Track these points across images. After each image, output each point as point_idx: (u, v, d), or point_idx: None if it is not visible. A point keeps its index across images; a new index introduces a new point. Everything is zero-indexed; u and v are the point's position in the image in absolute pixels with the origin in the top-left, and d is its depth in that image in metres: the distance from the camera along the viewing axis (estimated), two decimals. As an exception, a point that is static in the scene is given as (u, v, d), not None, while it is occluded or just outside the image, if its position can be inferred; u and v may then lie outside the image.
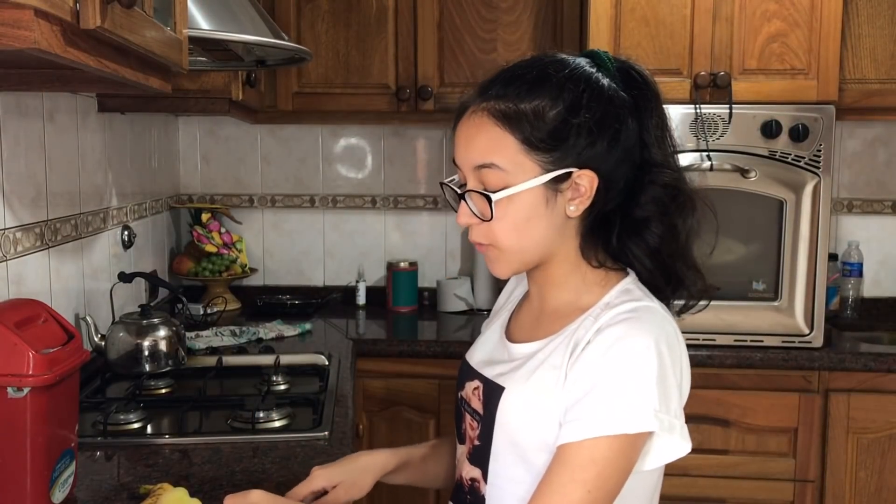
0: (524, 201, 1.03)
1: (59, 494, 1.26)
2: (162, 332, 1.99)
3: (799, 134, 2.33)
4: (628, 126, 1.04)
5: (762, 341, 2.39)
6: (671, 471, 2.69)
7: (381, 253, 3.06)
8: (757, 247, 2.42)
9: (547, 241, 1.06)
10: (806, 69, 2.36)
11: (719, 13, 2.35)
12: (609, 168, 1.03)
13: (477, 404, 1.14)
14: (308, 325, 2.62)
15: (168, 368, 1.99)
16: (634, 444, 0.99)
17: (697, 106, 2.35)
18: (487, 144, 1.03)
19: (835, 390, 2.36)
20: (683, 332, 2.56)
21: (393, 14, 2.65)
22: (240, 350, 2.36)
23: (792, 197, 2.35)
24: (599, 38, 2.38)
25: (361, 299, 2.99)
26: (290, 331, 2.54)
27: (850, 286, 2.83)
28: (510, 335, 1.18)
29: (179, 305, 2.63)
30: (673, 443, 1.03)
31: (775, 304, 2.40)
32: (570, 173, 1.02)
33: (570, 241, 1.08)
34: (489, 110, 1.03)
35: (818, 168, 2.34)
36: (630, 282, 1.09)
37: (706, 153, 2.35)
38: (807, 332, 2.38)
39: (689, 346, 2.56)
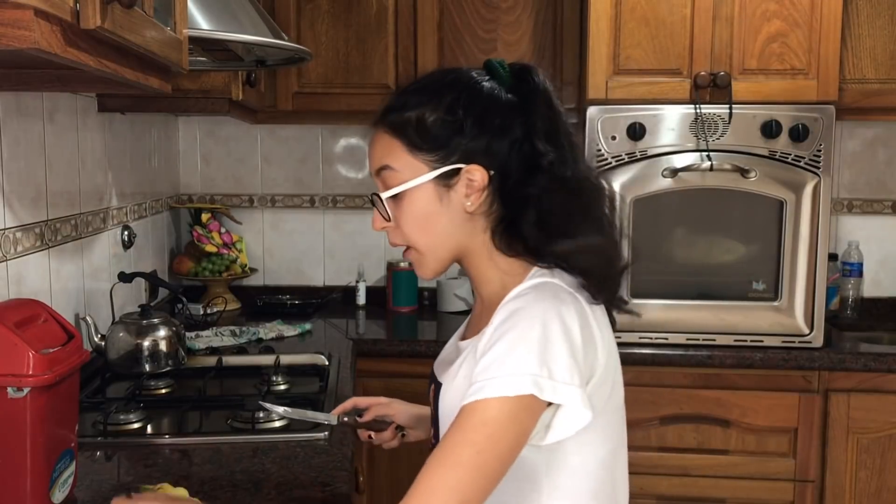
0: (419, 199, 1.11)
1: (59, 494, 1.26)
2: (162, 332, 1.99)
3: (799, 134, 2.33)
4: (513, 122, 1.09)
5: (762, 341, 2.39)
6: (671, 471, 2.70)
7: (381, 253, 3.06)
8: (757, 247, 2.42)
9: (454, 237, 1.13)
10: (806, 69, 2.36)
11: (719, 13, 2.35)
12: (499, 161, 1.09)
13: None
14: (308, 325, 2.62)
15: (168, 368, 1.99)
16: (527, 409, 0.99)
17: (697, 106, 2.35)
18: (381, 151, 1.13)
19: (835, 390, 2.36)
20: (683, 332, 2.55)
21: (393, 14, 2.66)
22: (240, 350, 2.36)
23: (792, 197, 2.35)
24: (599, 38, 2.38)
25: (361, 299, 2.99)
26: (290, 331, 2.54)
27: (850, 286, 2.83)
28: (463, 335, 1.25)
29: (179, 305, 2.63)
30: (575, 413, 1.03)
31: (775, 304, 2.40)
32: (458, 169, 1.09)
33: (480, 235, 1.13)
34: (383, 125, 1.13)
35: (818, 168, 2.34)
36: (545, 268, 1.12)
37: (706, 153, 2.35)
38: (807, 332, 2.38)
39: (689, 346, 2.57)
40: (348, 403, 1.47)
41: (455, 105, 1.09)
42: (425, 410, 1.40)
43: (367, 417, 1.45)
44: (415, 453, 2.46)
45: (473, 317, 1.24)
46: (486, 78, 1.13)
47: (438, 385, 1.17)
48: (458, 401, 1.05)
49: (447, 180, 1.10)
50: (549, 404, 1.01)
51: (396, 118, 1.11)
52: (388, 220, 1.14)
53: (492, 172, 1.09)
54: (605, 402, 1.08)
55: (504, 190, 1.10)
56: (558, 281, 1.09)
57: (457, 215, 1.11)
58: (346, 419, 1.45)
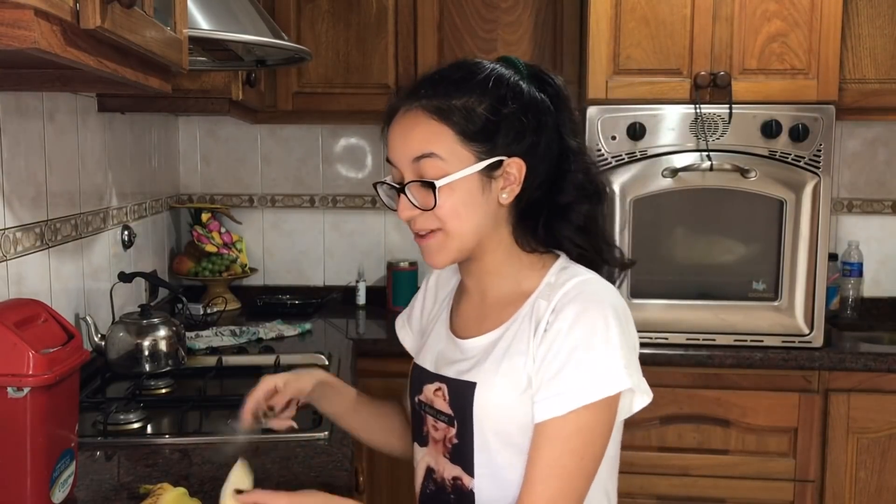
0: (463, 188, 1.09)
1: (59, 494, 1.26)
2: (162, 332, 1.99)
3: (799, 134, 2.33)
4: (548, 120, 1.13)
5: (762, 341, 2.39)
6: (671, 471, 2.69)
7: (381, 253, 3.06)
8: (757, 247, 2.42)
9: (483, 229, 1.12)
10: (806, 69, 2.36)
11: (719, 13, 2.35)
12: (535, 157, 1.12)
13: (442, 405, 1.17)
14: (308, 325, 2.62)
15: (168, 368, 1.99)
16: (612, 405, 1.07)
17: (697, 106, 2.35)
18: (425, 136, 1.10)
19: (835, 390, 2.36)
20: (683, 332, 2.56)
21: (393, 14, 2.66)
22: (240, 350, 2.36)
23: (792, 197, 2.35)
24: (599, 38, 2.38)
25: (361, 299, 2.99)
26: (290, 331, 2.54)
27: (850, 286, 2.83)
28: (456, 332, 1.22)
29: (179, 305, 2.63)
30: (637, 398, 1.10)
31: (775, 304, 2.40)
32: (501, 162, 1.10)
33: (503, 228, 1.15)
34: (423, 107, 1.11)
35: (818, 168, 2.34)
36: (564, 261, 1.17)
37: (706, 153, 2.35)
38: (807, 332, 2.38)
39: (689, 346, 2.57)
40: (252, 404, 1.29)
41: (504, 99, 1.10)
42: (329, 379, 1.35)
43: (282, 408, 1.30)
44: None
45: (470, 312, 1.21)
46: (518, 76, 1.14)
47: (457, 383, 1.15)
48: (505, 396, 1.09)
49: (490, 172, 1.10)
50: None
51: (442, 104, 1.09)
52: (421, 207, 1.10)
53: (528, 167, 1.11)
54: None
55: (534, 184, 1.12)
56: (593, 275, 1.13)
57: (491, 207, 1.11)
58: (263, 422, 1.28)
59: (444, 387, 1.17)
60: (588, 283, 1.11)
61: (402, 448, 1.36)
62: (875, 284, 2.92)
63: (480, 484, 1.14)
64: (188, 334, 2.28)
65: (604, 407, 1.05)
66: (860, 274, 2.84)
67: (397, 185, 1.13)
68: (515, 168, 1.10)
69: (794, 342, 2.38)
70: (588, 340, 1.05)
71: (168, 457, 1.52)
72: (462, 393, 1.14)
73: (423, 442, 1.23)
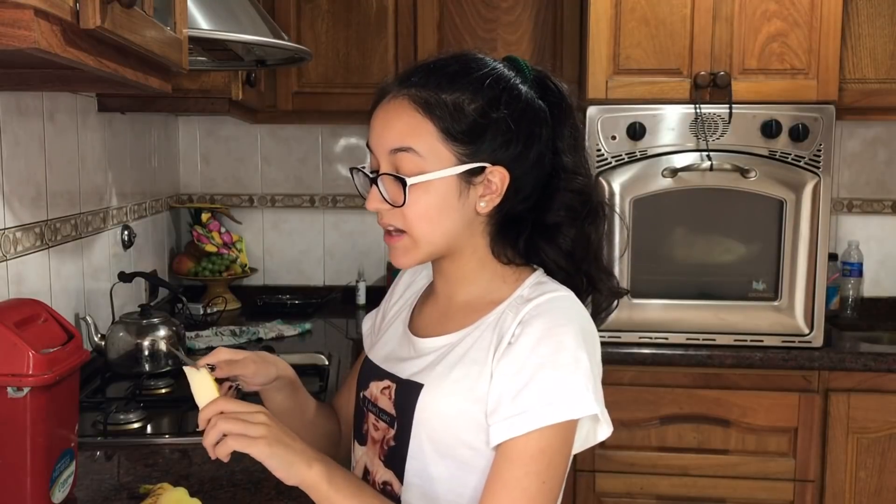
0: (438, 190, 1.03)
1: (59, 494, 1.27)
2: (162, 332, 1.99)
3: (799, 134, 2.33)
4: (542, 132, 1.07)
5: (762, 341, 2.39)
6: (671, 471, 2.69)
7: (381, 253, 3.06)
8: (757, 247, 2.42)
9: (455, 234, 1.07)
10: (806, 69, 2.36)
11: (719, 13, 2.35)
12: (521, 169, 1.05)
13: (386, 404, 1.12)
14: (308, 325, 2.62)
15: (168, 368, 1.99)
16: (573, 429, 1.01)
17: (697, 106, 2.35)
18: (406, 129, 1.03)
19: (835, 390, 2.36)
20: (683, 332, 2.56)
21: (393, 14, 2.66)
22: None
23: (792, 197, 2.35)
24: (599, 37, 2.38)
25: (361, 299, 2.99)
26: (290, 331, 2.54)
27: (850, 286, 2.83)
28: (415, 330, 1.17)
29: (179, 305, 2.63)
30: (601, 428, 1.05)
31: (775, 304, 2.40)
32: (483, 168, 1.04)
33: (478, 237, 1.09)
34: (410, 96, 1.04)
35: (818, 168, 2.34)
36: (540, 275, 1.11)
37: (706, 153, 2.35)
38: (807, 331, 2.38)
39: (689, 346, 2.57)
40: (213, 357, 1.17)
41: (497, 102, 1.03)
42: (290, 374, 1.27)
43: (217, 375, 1.16)
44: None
45: (433, 312, 1.16)
46: (519, 78, 1.07)
47: (405, 384, 1.10)
48: (451, 404, 1.04)
49: (470, 177, 1.03)
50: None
51: (430, 97, 1.02)
52: (391, 202, 1.04)
53: (513, 178, 1.05)
54: None
55: (517, 197, 1.06)
56: (566, 292, 1.07)
57: (467, 214, 1.05)
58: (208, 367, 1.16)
59: (393, 386, 1.11)
60: (560, 299, 1.05)
61: (337, 453, 1.29)
62: (875, 284, 2.92)
63: (408, 494, 1.08)
64: (188, 334, 2.28)
65: (567, 430, 0.99)
66: (860, 274, 2.84)
67: (371, 175, 1.07)
68: (498, 177, 1.04)
69: (794, 342, 2.38)
70: (554, 359, 0.99)
71: (168, 457, 1.52)
72: (407, 393, 1.08)
73: (363, 440, 1.17)
